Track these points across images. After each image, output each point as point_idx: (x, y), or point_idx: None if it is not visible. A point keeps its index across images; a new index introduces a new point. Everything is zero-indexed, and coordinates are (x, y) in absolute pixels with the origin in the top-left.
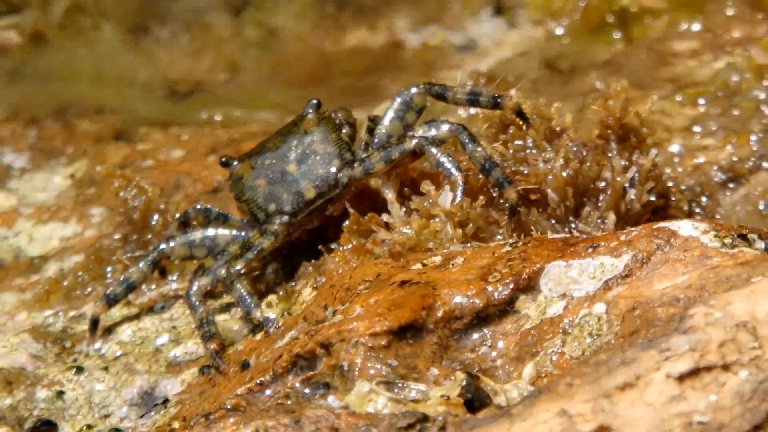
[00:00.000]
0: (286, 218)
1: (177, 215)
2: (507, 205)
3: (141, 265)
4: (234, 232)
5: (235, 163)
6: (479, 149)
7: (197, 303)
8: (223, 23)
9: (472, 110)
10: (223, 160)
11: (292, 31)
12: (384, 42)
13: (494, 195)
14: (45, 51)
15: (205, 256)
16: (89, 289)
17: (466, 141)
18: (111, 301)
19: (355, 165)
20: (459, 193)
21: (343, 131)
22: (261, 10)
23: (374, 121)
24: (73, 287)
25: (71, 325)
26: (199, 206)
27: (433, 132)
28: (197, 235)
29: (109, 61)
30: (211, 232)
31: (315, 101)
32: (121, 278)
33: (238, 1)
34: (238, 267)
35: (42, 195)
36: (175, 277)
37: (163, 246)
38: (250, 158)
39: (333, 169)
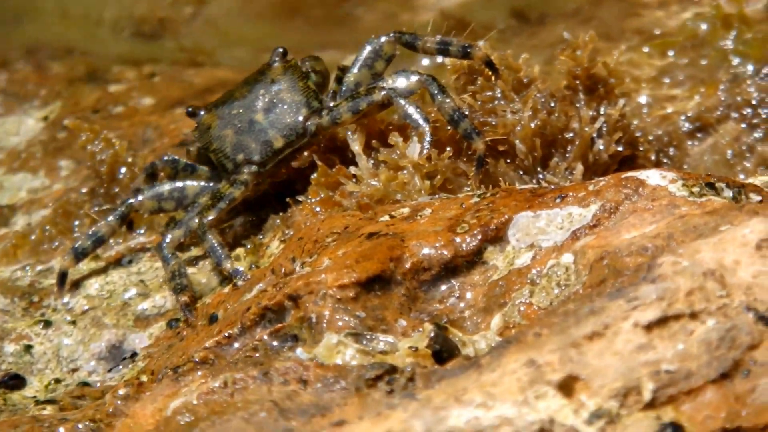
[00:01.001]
0: (254, 167)
1: (144, 167)
2: (475, 156)
3: (109, 219)
4: (203, 183)
5: (202, 113)
6: (448, 100)
7: (169, 255)
8: None
9: (440, 59)
10: (190, 110)
11: None
12: None
13: (462, 146)
14: None
15: (174, 208)
16: (56, 244)
17: (435, 92)
18: (79, 255)
19: (323, 114)
20: (426, 144)
21: (311, 80)
22: None
23: (343, 70)
24: (40, 241)
25: (39, 279)
26: (166, 157)
27: (401, 82)
28: (166, 187)
29: None
30: (179, 183)
31: (281, 49)
32: (90, 232)
33: None
34: (210, 217)
35: (15, 139)
36: (142, 231)
37: (131, 200)
38: (216, 108)
39: (300, 118)
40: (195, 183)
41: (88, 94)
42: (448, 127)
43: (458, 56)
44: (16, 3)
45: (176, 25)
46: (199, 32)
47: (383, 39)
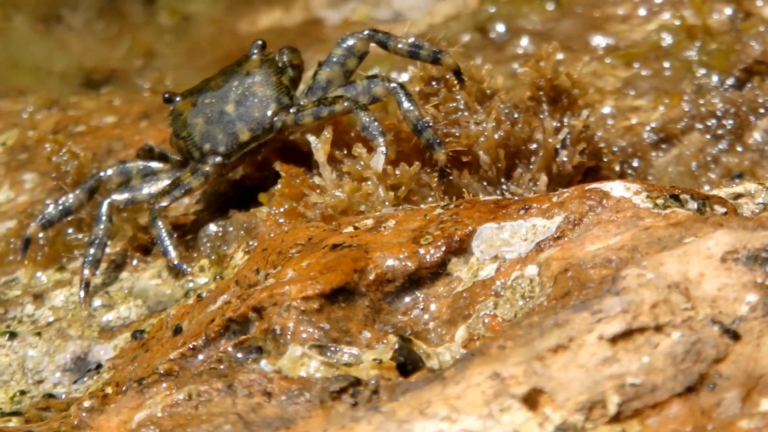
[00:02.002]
0: (219, 159)
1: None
2: (437, 167)
3: (77, 191)
4: (170, 168)
5: (178, 99)
6: (412, 109)
7: (103, 216)
8: (137, 10)
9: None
10: (166, 96)
11: (205, 15)
12: (301, 20)
13: (426, 157)
14: None
15: (140, 183)
16: (20, 256)
17: (402, 100)
18: (46, 224)
19: (290, 111)
20: (381, 158)
21: (286, 74)
22: None
23: (322, 64)
24: (5, 253)
25: (3, 290)
26: (145, 145)
27: (370, 88)
28: (135, 164)
29: (24, 50)
30: (149, 163)
31: (260, 42)
32: (57, 201)
33: None
34: (163, 204)
35: None
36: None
37: (101, 174)
38: (192, 95)
39: (269, 113)
40: (164, 166)
41: (46, 119)
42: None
43: (428, 61)
44: None
45: (127, 74)
46: (149, 82)
47: (356, 36)
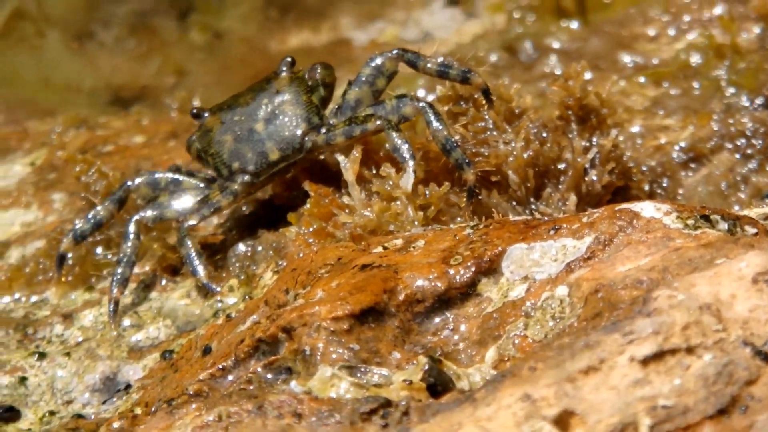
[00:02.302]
0: (247, 178)
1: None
2: (466, 187)
3: (107, 202)
4: (200, 183)
5: (206, 114)
6: (441, 128)
7: (131, 233)
8: (168, 27)
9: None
10: (194, 111)
11: (237, 33)
12: (329, 40)
13: (455, 177)
14: None
15: (167, 199)
16: (51, 275)
17: (431, 120)
18: (78, 238)
19: (321, 131)
20: (411, 178)
21: (316, 93)
22: (206, 14)
23: (352, 82)
24: (34, 273)
25: (33, 311)
26: (171, 166)
27: (399, 108)
28: (164, 176)
29: (55, 68)
30: (177, 176)
31: (289, 59)
32: (89, 215)
33: (184, 5)
34: (192, 222)
35: (1, 182)
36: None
37: (129, 183)
38: (220, 111)
39: (299, 133)
40: (192, 181)
41: (75, 138)
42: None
43: (457, 80)
44: None
45: (157, 92)
46: (178, 101)
47: (386, 55)
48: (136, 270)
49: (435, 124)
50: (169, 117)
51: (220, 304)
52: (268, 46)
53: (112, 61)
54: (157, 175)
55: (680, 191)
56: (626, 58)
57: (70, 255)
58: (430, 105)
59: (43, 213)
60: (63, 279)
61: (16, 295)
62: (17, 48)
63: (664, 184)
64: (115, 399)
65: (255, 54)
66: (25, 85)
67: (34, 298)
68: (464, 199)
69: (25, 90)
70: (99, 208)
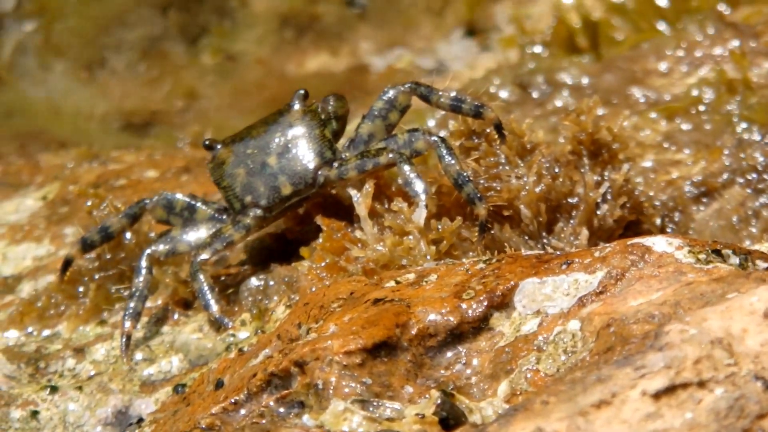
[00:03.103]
0: (260, 212)
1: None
2: (478, 221)
3: (121, 216)
4: (213, 213)
5: (219, 147)
6: (453, 163)
7: (143, 268)
8: (179, 51)
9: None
10: (207, 143)
11: (251, 56)
12: (347, 66)
13: (467, 211)
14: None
15: (180, 226)
16: (62, 308)
17: (443, 154)
18: (86, 247)
19: (334, 166)
20: (423, 212)
21: (329, 126)
22: (219, 37)
23: (365, 118)
24: (46, 308)
25: (45, 345)
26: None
27: (412, 142)
28: (180, 200)
29: (65, 97)
30: (193, 202)
31: (302, 92)
32: (99, 226)
33: (196, 29)
34: (204, 256)
35: (14, 216)
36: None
37: (146, 201)
38: (233, 144)
39: (311, 167)
40: (206, 210)
41: (87, 173)
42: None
43: (470, 115)
44: (7, 99)
45: (169, 116)
46: (191, 123)
47: (399, 89)
48: (148, 304)
49: (447, 158)
50: (183, 152)
51: (232, 338)
52: (285, 69)
53: (122, 87)
54: (173, 198)
55: (692, 225)
56: (638, 93)
57: (78, 258)
58: (443, 139)
59: (55, 247)
60: (71, 316)
61: (29, 329)
62: (26, 80)
63: (676, 219)
64: None
65: (271, 77)
66: (36, 116)
67: (46, 332)
68: (476, 234)
69: (36, 121)
70: (113, 220)
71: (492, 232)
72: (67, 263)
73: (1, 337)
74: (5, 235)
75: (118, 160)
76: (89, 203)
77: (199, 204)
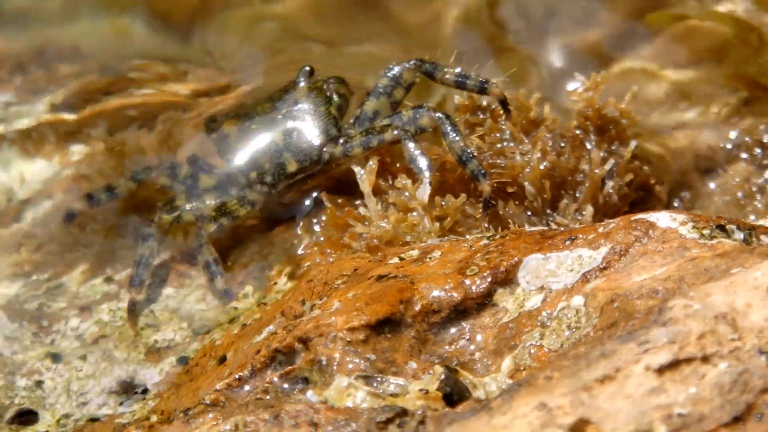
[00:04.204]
0: (265, 188)
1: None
2: (482, 198)
3: (128, 178)
4: (215, 182)
5: (223, 121)
6: (458, 139)
7: (149, 236)
8: None
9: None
10: (210, 118)
11: None
12: None
13: (471, 188)
14: None
15: (183, 194)
16: (67, 254)
17: (448, 131)
18: (93, 201)
19: (339, 143)
20: (427, 189)
21: (334, 104)
22: None
23: (369, 94)
24: (52, 250)
25: (48, 302)
26: (189, 155)
27: (416, 118)
28: (184, 169)
29: None
30: (196, 171)
31: (308, 68)
32: (106, 185)
33: None
34: (210, 230)
35: (26, 120)
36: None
37: (152, 168)
38: (238, 119)
39: (317, 144)
40: (209, 179)
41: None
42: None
43: (474, 91)
44: (19, 2)
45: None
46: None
47: (404, 66)
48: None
49: (451, 135)
50: (208, 74)
51: (235, 308)
52: None
53: None
54: (177, 166)
55: (696, 201)
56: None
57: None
58: (447, 116)
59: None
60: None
61: (34, 276)
62: None
63: (681, 194)
64: (131, 402)
65: None
66: (52, 21)
67: (48, 284)
68: (480, 210)
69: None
70: (120, 181)
71: (495, 207)
72: (71, 216)
73: (1, 286)
74: (15, 141)
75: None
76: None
77: (202, 174)
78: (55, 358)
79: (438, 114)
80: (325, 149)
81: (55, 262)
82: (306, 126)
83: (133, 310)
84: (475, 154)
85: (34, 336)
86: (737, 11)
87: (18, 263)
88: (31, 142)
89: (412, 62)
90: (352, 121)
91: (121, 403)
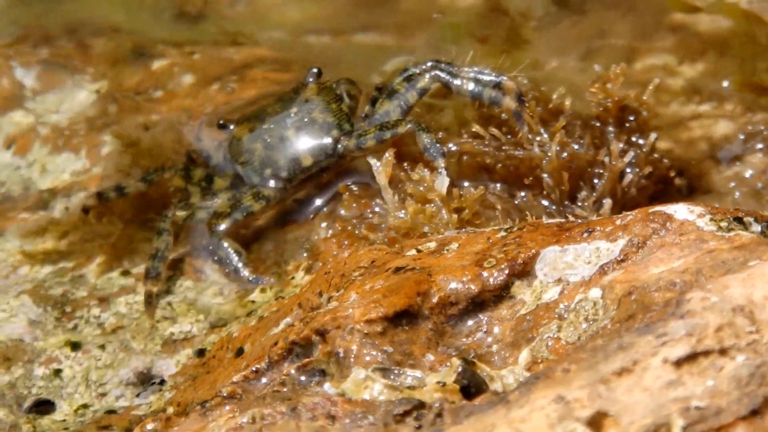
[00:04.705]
0: (280, 183)
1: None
2: (512, 114)
3: (138, 180)
4: (229, 182)
5: (232, 126)
6: (462, 83)
7: (164, 230)
8: None
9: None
10: (221, 122)
11: None
12: None
13: (485, 177)
14: None
15: (198, 194)
16: (88, 243)
17: (448, 80)
18: (102, 198)
19: (353, 137)
20: (445, 180)
21: (344, 102)
22: None
23: (380, 90)
24: (76, 236)
25: (72, 289)
26: (202, 155)
27: (415, 86)
28: (198, 171)
29: None
30: (211, 173)
31: (315, 69)
32: (118, 185)
33: None
34: (224, 226)
35: (55, 116)
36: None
37: (165, 170)
38: (249, 121)
39: (331, 138)
40: (223, 180)
41: (131, 75)
42: (480, 147)
43: (489, 104)
44: None
45: (220, 5)
46: (242, 13)
47: (421, 77)
48: (171, 255)
49: (454, 82)
50: (220, 54)
51: (252, 302)
52: None
53: None
54: (191, 169)
55: (714, 193)
56: (671, 22)
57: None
58: (440, 68)
59: (90, 162)
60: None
61: (58, 264)
62: None
63: (699, 186)
64: (148, 393)
65: None
66: (87, 1)
67: (72, 274)
68: (517, 128)
69: (87, 6)
70: (130, 182)
71: (525, 127)
72: (86, 211)
73: (30, 271)
74: (48, 138)
75: (162, 55)
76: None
77: (216, 176)
78: (75, 346)
79: (432, 72)
80: (339, 143)
81: (77, 251)
82: (319, 121)
83: (150, 302)
84: (484, 83)
85: (57, 321)
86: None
87: (46, 251)
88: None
89: (429, 74)
90: (362, 117)
91: (138, 395)
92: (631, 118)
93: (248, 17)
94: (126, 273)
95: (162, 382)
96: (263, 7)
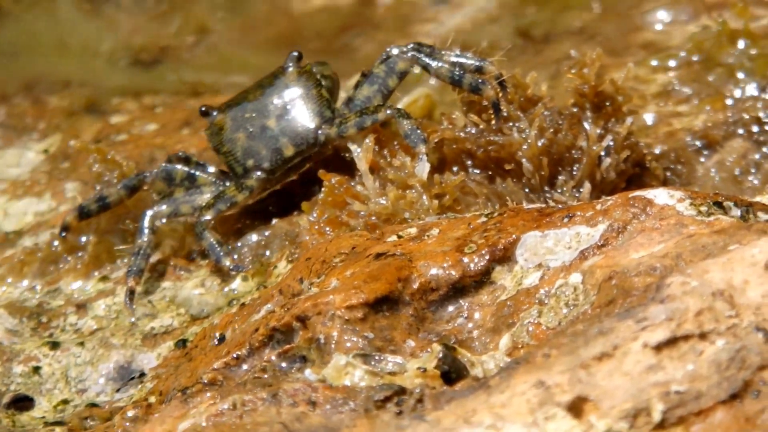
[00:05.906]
0: (263, 174)
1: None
2: (490, 103)
3: (119, 187)
4: (213, 179)
5: (215, 113)
6: (441, 64)
7: (145, 228)
8: None
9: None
10: (203, 109)
11: None
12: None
13: (467, 164)
14: (5, 23)
15: (182, 196)
16: (65, 263)
17: (428, 62)
18: (83, 215)
19: (334, 124)
20: (426, 166)
21: (325, 87)
22: None
23: (366, 75)
24: (47, 258)
25: (47, 300)
26: (181, 153)
27: (393, 69)
28: (180, 170)
29: (71, 30)
30: (193, 171)
31: (296, 54)
32: (97, 195)
33: None
34: (208, 217)
35: (15, 170)
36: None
37: (146, 174)
38: (229, 109)
39: (312, 127)
40: (206, 176)
41: (88, 126)
42: (454, 145)
43: (469, 90)
44: (13, 36)
45: (178, 52)
46: (200, 59)
47: (401, 56)
48: (151, 259)
49: (434, 64)
50: (183, 103)
51: (234, 292)
52: (292, 6)
53: (130, 23)
54: (172, 170)
55: (694, 178)
56: (639, 42)
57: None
58: (417, 48)
59: (57, 202)
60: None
61: (31, 283)
62: (32, 12)
63: (678, 171)
64: (129, 387)
65: (278, 13)
66: (43, 53)
67: (47, 288)
68: (493, 121)
69: (41, 59)
70: (111, 190)
71: (505, 114)
72: (65, 228)
73: (3, 292)
74: (6, 191)
75: (120, 109)
76: (90, 159)
77: (198, 173)
78: (54, 345)
79: (409, 53)
80: (320, 131)
81: (52, 271)
82: (300, 109)
83: (132, 297)
84: (465, 68)
85: (33, 331)
86: None
87: (16, 270)
88: (23, 187)
89: (410, 47)
90: (344, 102)
91: (118, 390)
92: (608, 104)
93: (208, 63)
94: (104, 278)
95: (142, 375)
96: (222, 55)
